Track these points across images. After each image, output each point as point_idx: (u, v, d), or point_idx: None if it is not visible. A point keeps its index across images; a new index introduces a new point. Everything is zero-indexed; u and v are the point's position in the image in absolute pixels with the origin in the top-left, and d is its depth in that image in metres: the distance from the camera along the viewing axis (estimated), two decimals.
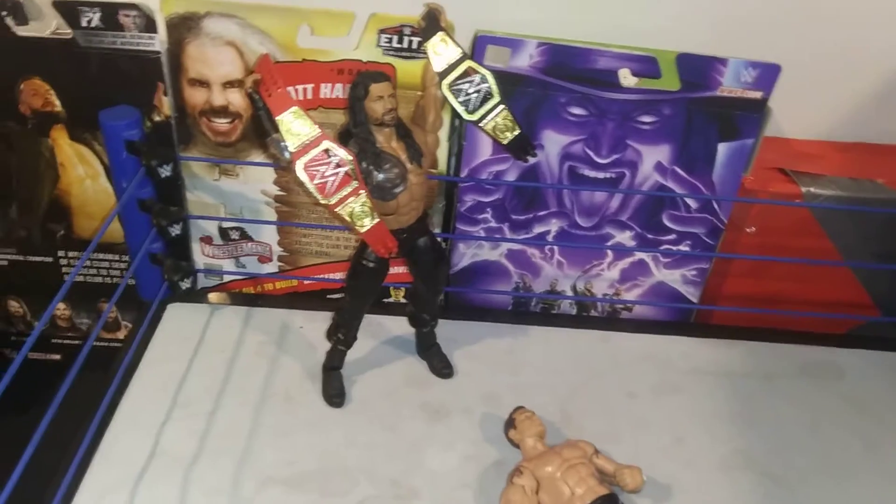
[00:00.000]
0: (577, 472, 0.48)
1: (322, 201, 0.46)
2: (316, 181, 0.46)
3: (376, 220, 0.47)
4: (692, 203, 0.62)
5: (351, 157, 0.46)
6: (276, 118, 0.45)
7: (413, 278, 0.56)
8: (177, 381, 0.57)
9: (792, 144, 0.67)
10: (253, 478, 0.50)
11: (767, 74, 0.55)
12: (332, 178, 0.46)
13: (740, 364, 0.64)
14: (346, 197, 0.46)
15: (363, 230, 0.47)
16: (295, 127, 0.45)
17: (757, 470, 0.54)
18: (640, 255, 0.65)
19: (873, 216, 0.63)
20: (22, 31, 0.56)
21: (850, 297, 0.68)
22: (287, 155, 0.45)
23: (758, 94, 0.56)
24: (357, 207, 0.46)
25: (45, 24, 0.56)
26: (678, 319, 0.69)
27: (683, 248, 0.64)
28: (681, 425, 0.57)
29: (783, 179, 0.62)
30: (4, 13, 0.55)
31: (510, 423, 0.53)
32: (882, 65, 0.64)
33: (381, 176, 0.48)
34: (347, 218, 0.47)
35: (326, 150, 0.45)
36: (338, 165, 0.46)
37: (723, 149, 0.59)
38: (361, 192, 0.46)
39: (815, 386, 0.62)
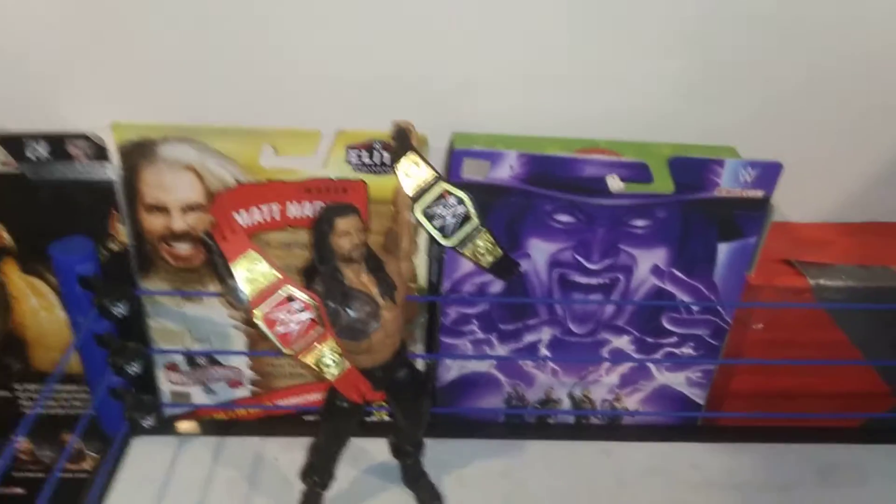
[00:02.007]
0: None
1: (286, 351, 0.42)
2: (277, 329, 0.41)
3: (346, 367, 0.43)
4: (695, 306, 0.58)
5: (315, 301, 0.41)
6: (231, 264, 0.41)
7: (393, 411, 0.51)
8: None
9: (796, 230, 0.63)
10: None
11: (768, 173, 0.51)
12: (294, 326, 0.41)
13: (754, 472, 0.59)
14: (312, 344, 0.42)
15: (332, 378, 0.43)
16: (252, 273, 0.41)
17: None
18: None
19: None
20: None
21: (865, 388, 0.63)
22: (245, 303, 0.41)
23: (759, 194, 0.52)
24: (325, 355, 0.42)
25: None
26: (684, 421, 0.64)
27: (686, 350, 0.60)
28: None
29: (790, 272, 0.58)
30: None
31: None
32: (884, 142, 0.61)
33: (351, 316, 0.43)
34: (314, 367, 0.42)
35: (289, 296, 0.41)
36: (301, 311, 0.41)
37: (724, 248, 0.55)
38: (329, 337, 0.42)
39: (836, 494, 0.58)
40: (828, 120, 0.59)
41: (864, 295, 0.58)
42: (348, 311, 0.43)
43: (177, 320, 0.58)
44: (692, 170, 0.51)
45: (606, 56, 0.55)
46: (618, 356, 0.60)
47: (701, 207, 0.53)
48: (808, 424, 0.63)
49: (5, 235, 0.55)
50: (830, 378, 0.62)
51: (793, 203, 0.62)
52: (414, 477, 0.55)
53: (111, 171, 0.52)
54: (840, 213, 0.64)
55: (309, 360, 0.42)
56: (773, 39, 0.55)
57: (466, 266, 0.55)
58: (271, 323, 0.41)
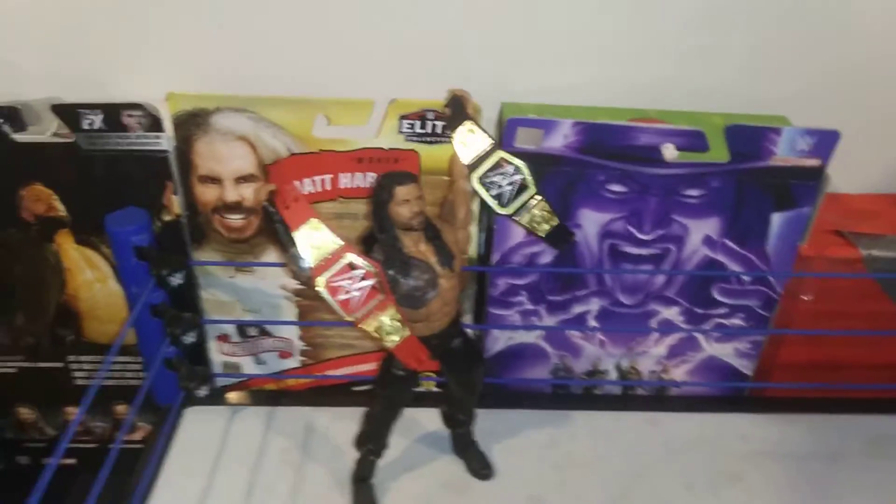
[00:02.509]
0: None
1: (347, 318, 0.42)
2: (339, 297, 0.42)
3: (406, 334, 0.43)
4: (745, 277, 0.57)
5: (376, 269, 0.42)
6: (294, 233, 0.41)
7: (447, 380, 0.52)
8: (197, 497, 0.53)
9: (847, 200, 0.62)
10: None
11: (825, 141, 0.51)
12: (357, 293, 0.42)
13: (802, 443, 0.59)
14: (373, 311, 0.42)
15: (392, 345, 0.43)
16: (314, 240, 0.41)
17: None
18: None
19: None
20: (20, 137, 0.52)
21: None
22: (307, 270, 0.41)
23: (815, 162, 0.52)
24: (385, 322, 0.43)
25: (44, 127, 0.52)
26: (731, 392, 0.64)
27: (736, 321, 0.60)
28: None
29: (841, 242, 0.58)
30: (1, 120, 0.51)
31: None
32: None
33: (410, 284, 0.43)
34: (375, 334, 0.43)
35: (350, 264, 0.41)
36: (363, 279, 0.42)
37: (777, 219, 0.55)
38: (389, 305, 0.42)
39: (885, 463, 0.57)
40: (878, 90, 0.58)
41: None
42: (408, 279, 0.43)
43: (228, 291, 0.58)
44: (748, 138, 0.51)
45: (654, 27, 0.55)
46: (666, 327, 0.60)
47: (756, 177, 0.53)
48: (856, 395, 0.63)
49: (60, 206, 0.56)
50: (880, 349, 0.62)
51: (844, 174, 0.61)
52: (464, 446, 0.56)
53: (165, 141, 0.52)
54: (891, 184, 0.63)
55: (370, 327, 0.43)
56: (823, 10, 0.54)
57: (516, 237, 0.55)
58: (334, 290, 0.42)
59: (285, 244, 0.42)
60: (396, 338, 0.43)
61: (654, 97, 0.56)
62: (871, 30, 0.56)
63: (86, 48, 0.54)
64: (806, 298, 0.59)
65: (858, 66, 0.57)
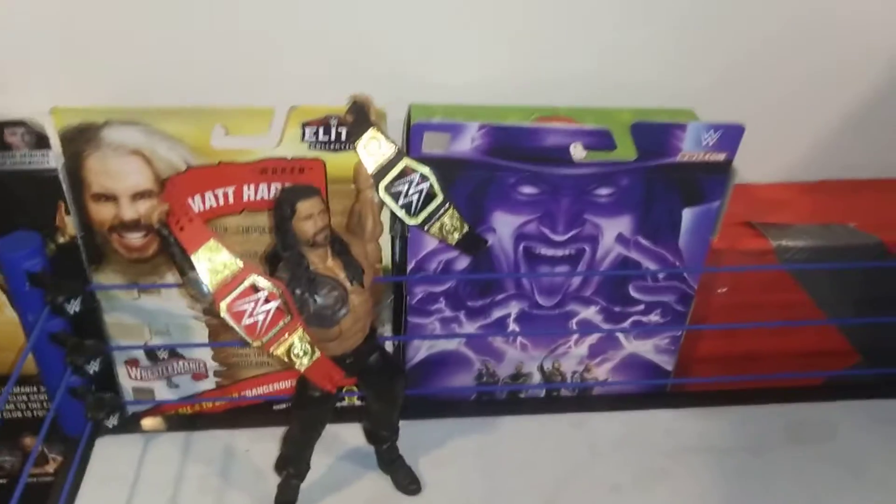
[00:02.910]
0: None
1: (253, 343, 0.40)
2: (244, 322, 0.40)
3: (317, 355, 0.41)
4: (660, 274, 0.57)
5: (281, 289, 0.40)
6: (191, 255, 0.39)
7: (366, 396, 0.50)
8: None
9: (755, 191, 0.63)
10: None
11: (730, 135, 0.51)
12: (261, 316, 0.40)
13: (724, 435, 0.60)
14: (281, 334, 0.41)
15: (303, 368, 0.41)
16: (214, 263, 0.39)
17: None
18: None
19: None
20: None
21: (829, 346, 0.64)
22: (208, 295, 0.39)
23: (721, 156, 0.52)
24: (295, 344, 0.41)
25: None
26: (654, 389, 0.65)
27: (654, 318, 0.60)
28: None
29: (752, 234, 0.58)
30: None
31: None
32: (837, 100, 0.61)
33: (318, 302, 0.42)
34: (285, 358, 0.41)
35: (253, 285, 0.40)
36: (267, 300, 0.40)
37: (688, 214, 0.55)
38: (297, 326, 0.41)
39: (806, 451, 0.59)
40: (781, 81, 0.59)
41: (825, 254, 0.58)
42: (316, 297, 0.42)
43: (134, 314, 0.56)
44: (654, 135, 0.51)
45: (562, 21, 0.54)
46: (586, 327, 0.60)
47: (664, 173, 0.52)
48: (775, 385, 0.64)
49: None
50: (795, 339, 0.63)
51: (751, 165, 0.61)
52: (390, 461, 0.54)
53: (53, 159, 0.49)
54: (797, 173, 0.64)
55: (279, 351, 0.41)
56: (726, 3, 0.55)
57: (430, 244, 0.54)
58: (238, 315, 0.40)
59: (182, 268, 0.40)
60: (307, 361, 0.42)
61: (564, 93, 0.55)
62: (775, 21, 0.56)
63: None
64: (720, 292, 0.59)
65: (763, 56, 0.58)
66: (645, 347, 0.62)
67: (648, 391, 0.65)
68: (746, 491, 0.55)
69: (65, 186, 0.51)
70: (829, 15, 0.56)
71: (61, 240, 0.53)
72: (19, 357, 0.55)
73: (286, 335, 0.41)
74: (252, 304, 0.40)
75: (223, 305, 0.39)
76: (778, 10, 0.56)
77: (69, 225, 0.52)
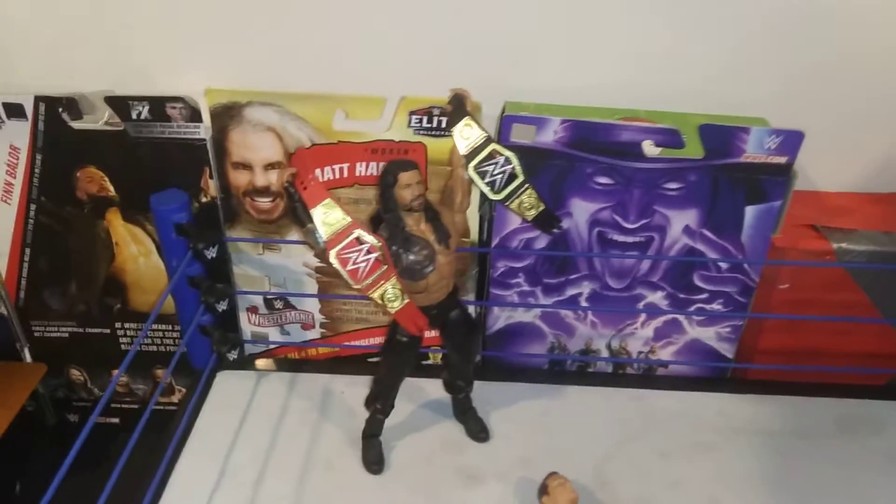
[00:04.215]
0: None
1: (355, 286, 0.48)
2: (348, 267, 0.48)
3: (406, 301, 0.49)
4: (723, 264, 0.63)
5: (380, 243, 0.48)
6: (311, 210, 0.48)
7: (446, 348, 0.58)
8: (226, 448, 0.60)
9: (824, 198, 0.67)
10: None
11: (791, 141, 0.56)
12: (363, 264, 0.48)
13: (775, 421, 0.64)
14: (378, 281, 0.48)
15: (394, 311, 0.49)
16: (328, 217, 0.48)
17: None
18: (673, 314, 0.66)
19: None
20: (77, 125, 0.60)
21: (888, 349, 0.67)
22: (321, 244, 0.48)
23: (782, 160, 0.57)
24: (388, 290, 0.49)
25: (98, 117, 0.60)
26: (714, 373, 0.70)
27: (716, 306, 0.65)
28: (714, 486, 0.58)
29: (814, 236, 0.63)
30: (60, 109, 0.59)
31: (543, 490, 0.54)
32: None
33: (410, 258, 0.50)
34: (379, 300, 0.49)
35: (357, 238, 0.48)
36: (368, 252, 0.48)
37: (750, 211, 0.60)
38: (392, 275, 0.49)
39: (853, 442, 0.62)
40: (858, 94, 0.63)
41: (884, 258, 0.62)
42: (408, 254, 0.50)
43: (258, 267, 0.65)
44: (720, 136, 0.57)
45: (652, 35, 0.60)
46: (652, 309, 0.65)
47: (728, 172, 0.58)
48: (830, 381, 0.67)
49: (110, 187, 0.63)
50: (853, 339, 0.66)
51: (823, 173, 0.66)
52: (463, 411, 0.62)
53: (203, 131, 0.60)
54: (867, 184, 0.67)
55: (375, 294, 0.49)
56: (800, 16, 0.59)
57: (513, 223, 0.61)
58: (344, 261, 0.48)
59: (303, 221, 0.48)
60: (397, 304, 0.49)
61: (644, 99, 0.61)
62: (851, 38, 0.60)
63: (136, 48, 0.61)
64: (782, 287, 0.64)
65: (840, 70, 0.62)
66: (707, 334, 0.67)
67: (708, 376, 0.70)
68: (787, 470, 0.59)
69: (211, 154, 0.61)
70: None
71: (204, 199, 0.63)
72: (161, 296, 0.66)
73: (382, 282, 0.48)
74: (356, 254, 0.48)
75: (333, 253, 0.48)
76: (848, 20, 0.60)
77: (212, 187, 0.62)
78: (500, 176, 0.51)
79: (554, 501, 0.53)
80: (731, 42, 0.60)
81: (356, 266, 0.48)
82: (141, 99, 0.58)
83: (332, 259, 0.48)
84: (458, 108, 0.51)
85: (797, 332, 0.66)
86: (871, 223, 0.64)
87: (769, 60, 0.61)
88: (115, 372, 0.73)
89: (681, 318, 0.66)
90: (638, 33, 0.60)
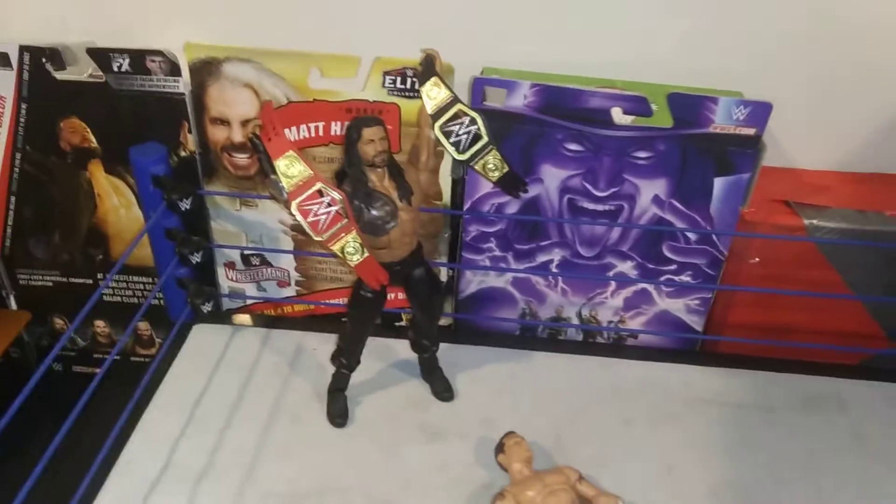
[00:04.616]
0: (558, 498, 0.50)
1: (315, 238, 0.49)
2: (309, 219, 0.49)
3: (366, 255, 0.50)
4: (691, 235, 0.63)
5: (341, 197, 0.49)
6: (274, 162, 0.48)
7: (412, 307, 0.59)
8: (195, 397, 0.61)
9: (800, 175, 0.67)
10: (256, 493, 0.54)
11: (759, 112, 0.56)
12: (324, 216, 0.49)
13: (741, 394, 0.64)
14: (338, 234, 0.49)
15: (354, 264, 0.50)
16: (291, 170, 0.48)
17: (745, 502, 0.55)
18: (642, 284, 0.66)
19: (881, 248, 0.63)
20: (60, 76, 0.61)
21: (859, 328, 0.68)
22: (284, 195, 0.49)
23: (751, 131, 0.57)
24: (349, 243, 0.50)
25: (81, 68, 0.61)
26: (682, 344, 0.70)
27: (685, 278, 0.65)
28: (673, 454, 0.58)
29: (786, 211, 0.63)
30: (44, 59, 0.60)
31: (499, 448, 0.55)
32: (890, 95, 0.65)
33: (372, 213, 0.51)
34: (339, 253, 0.50)
35: (319, 191, 0.49)
36: (329, 205, 0.49)
37: (719, 183, 0.60)
38: (352, 229, 0.49)
39: (817, 419, 0.62)
40: (838, 72, 0.63)
41: (856, 236, 0.62)
42: (370, 209, 0.51)
43: (235, 223, 0.67)
44: (689, 106, 0.57)
45: (630, 7, 0.61)
46: (621, 277, 0.66)
47: (697, 142, 0.58)
48: (798, 357, 0.68)
49: (92, 138, 0.64)
50: (824, 315, 0.67)
51: (800, 150, 0.66)
52: (430, 370, 0.63)
53: (182, 85, 0.61)
54: (845, 163, 0.67)
55: (335, 247, 0.50)
56: None
57: (485, 187, 0.62)
58: (305, 213, 0.49)
59: (267, 171, 0.49)
60: (357, 258, 0.50)
61: (621, 71, 0.62)
62: (840, 17, 0.60)
63: (118, 1, 0.63)
64: (752, 262, 0.64)
65: (818, 46, 0.62)
66: (676, 306, 0.67)
67: (677, 347, 0.70)
68: (749, 441, 0.59)
69: (189, 109, 0.62)
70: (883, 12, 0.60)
71: (183, 154, 0.64)
72: (142, 248, 0.67)
73: (342, 235, 0.49)
74: (317, 206, 0.49)
75: (294, 204, 0.49)
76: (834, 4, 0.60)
77: (190, 141, 0.63)
78: (465, 136, 0.52)
79: (509, 459, 0.54)
80: (710, 14, 0.61)
81: (317, 218, 0.49)
82: (121, 52, 0.59)
83: (294, 210, 0.49)
84: (428, 68, 0.52)
85: (768, 308, 0.67)
86: (846, 201, 0.64)
87: (747, 35, 0.61)
88: (97, 322, 0.75)
89: (650, 289, 0.67)
90: (621, 5, 0.61)
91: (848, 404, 0.64)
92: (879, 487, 0.57)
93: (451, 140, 0.52)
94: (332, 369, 0.61)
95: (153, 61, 0.59)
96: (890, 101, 0.65)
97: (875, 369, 0.68)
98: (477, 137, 0.52)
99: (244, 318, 0.70)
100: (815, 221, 0.62)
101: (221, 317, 0.70)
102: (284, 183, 0.49)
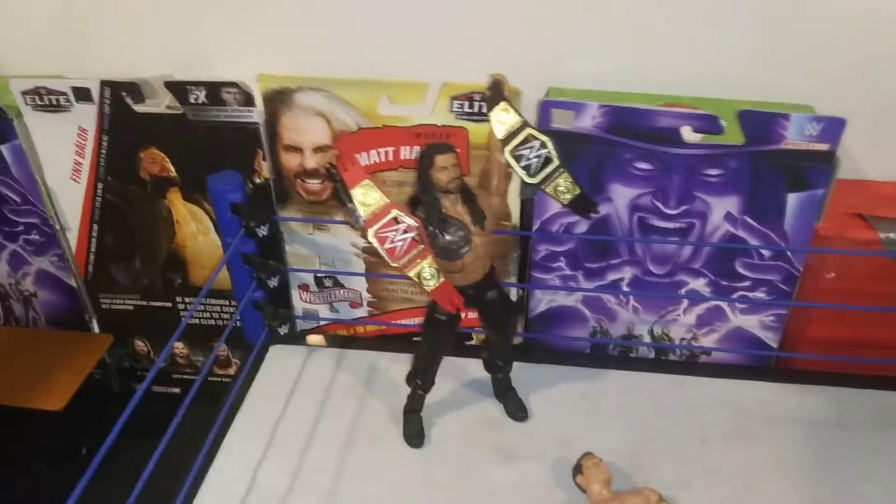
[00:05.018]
0: None
1: (392, 264, 0.50)
2: (386, 246, 0.50)
3: (442, 280, 0.51)
4: (765, 252, 0.62)
5: (417, 223, 0.50)
6: (350, 191, 0.50)
7: (485, 328, 0.59)
8: (274, 419, 0.63)
9: (872, 187, 0.66)
10: None
11: (832, 128, 0.56)
12: (400, 243, 0.50)
13: (817, 411, 0.63)
14: (414, 260, 0.50)
15: (430, 289, 0.51)
16: (367, 198, 0.50)
17: None
18: (715, 301, 0.66)
19: None
20: (139, 108, 0.63)
21: None
22: (361, 223, 0.50)
23: (824, 147, 0.57)
24: (425, 269, 0.51)
25: (159, 101, 0.63)
26: (757, 361, 0.69)
27: (759, 294, 0.65)
28: (751, 474, 0.58)
29: (861, 225, 0.62)
30: (124, 93, 0.63)
31: (577, 469, 0.55)
32: None
33: (446, 239, 0.51)
34: (416, 279, 0.51)
35: (395, 218, 0.50)
36: (405, 231, 0.50)
37: (793, 199, 0.60)
38: (428, 255, 0.50)
39: (892, 435, 0.61)
40: None
41: None
42: (444, 234, 0.51)
43: (308, 246, 0.68)
44: (760, 123, 0.56)
45: (695, 21, 0.60)
46: (693, 295, 0.66)
47: (769, 159, 0.58)
48: (875, 373, 0.66)
49: (171, 168, 0.67)
50: None
51: (871, 161, 0.65)
52: (503, 390, 0.63)
53: (256, 115, 0.62)
54: None
55: (412, 273, 0.51)
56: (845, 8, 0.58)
57: (554, 208, 0.62)
58: (381, 240, 0.50)
59: (344, 200, 0.50)
60: (434, 283, 0.51)
61: (689, 88, 0.61)
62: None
63: (194, 36, 0.65)
64: (828, 277, 0.63)
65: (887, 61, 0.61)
66: (750, 322, 0.67)
67: (751, 364, 0.69)
68: (827, 461, 0.58)
69: (263, 137, 0.64)
70: None
71: (258, 181, 0.66)
72: (213, 271, 0.69)
73: (418, 261, 0.50)
74: (393, 233, 0.50)
75: (371, 232, 0.50)
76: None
77: (264, 169, 0.65)
78: (535, 160, 0.52)
79: (587, 480, 0.54)
80: (780, 33, 0.60)
81: (393, 245, 0.50)
82: (198, 84, 0.61)
83: (371, 237, 0.50)
84: (496, 93, 0.53)
85: (844, 322, 0.65)
86: None
87: (819, 51, 0.60)
88: (176, 344, 0.77)
89: (723, 305, 0.66)
90: (684, 19, 0.60)
91: None
92: None
93: (522, 164, 0.52)
94: (405, 389, 0.61)
95: (228, 93, 0.61)
96: None
97: None
98: (547, 161, 0.52)
99: (318, 339, 0.72)
100: (891, 235, 0.61)
101: (296, 338, 0.71)
102: (361, 211, 0.50)
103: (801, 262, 0.63)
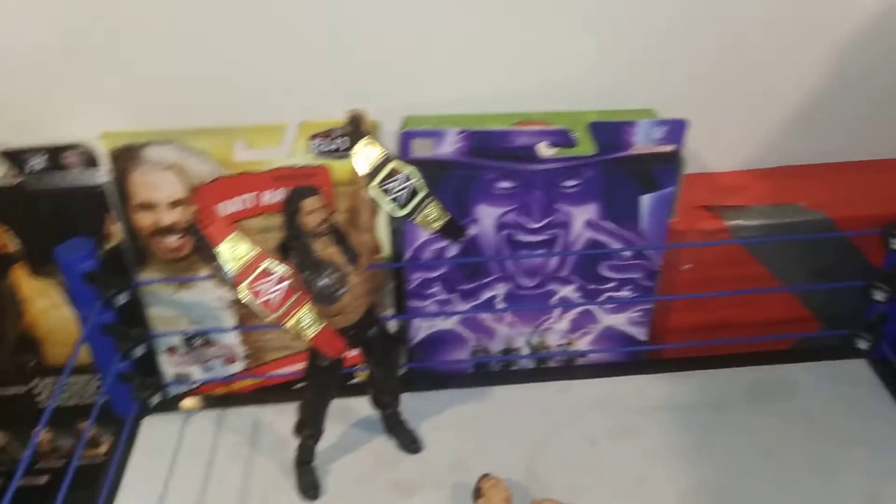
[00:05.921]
0: None
1: (270, 317, 0.49)
2: (261, 299, 0.48)
3: (322, 326, 0.50)
4: (626, 252, 0.65)
5: (291, 270, 0.49)
6: (216, 248, 0.47)
7: (369, 365, 0.59)
8: (157, 496, 0.59)
9: (715, 178, 0.70)
10: None
11: (675, 130, 0.59)
12: (274, 294, 0.48)
13: (691, 396, 0.67)
14: (291, 309, 0.49)
15: (310, 338, 0.50)
16: (236, 252, 0.48)
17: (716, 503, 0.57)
18: (585, 305, 0.68)
19: (800, 239, 0.66)
20: None
21: (790, 315, 0.71)
22: (230, 279, 0.48)
23: (670, 148, 0.60)
24: (303, 317, 0.49)
25: None
26: (631, 359, 0.72)
27: (625, 293, 0.68)
28: (640, 466, 0.60)
29: (709, 216, 0.66)
30: None
31: (477, 493, 0.55)
32: (787, 91, 0.68)
33: (322, 283, 0.50)
34: (295, 329, 0.49)
35: (266, 269, 0.48)
36: (279, 281, 0.48)
37: (646, 199, 0.63)
38: (305, 301, 0.49)
39: (766, 409, 0.65)
40: (737, 77, 0.66)
41: (776, 230, 0.65)
42: (320, 278, 0.50)
43: (173, 307, 0.65)
44: (610, 132, 0.59)
45: (536, 39, 0.62)
46: (565, 303, 0.68)
47: (621, 165, 0.61)
48: (739, 351, 0.71)
49: (12, 242, 0.62)
50: (756, 308, 0.70)
51: (712, 155, 0.69)
52: (394, 424, 0.62)
53: (102, 175, 0.59)
54: (755, 160, 0.71)
55: (290, 323, 0.49)
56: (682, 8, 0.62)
57: (424, 235, 0.63)
58: (256, 294, 0.48)
59: (209, 259, 0.48)
60: (313, 330, 0.50)
61: (539, 101, 0.63)
62: (730, 28, 0.63)
63: (28, 97, 0.60)
64: (685, 268, 0.67)
65: (717, 56, 0.65)
66: (619, 321, 0.69)
67: (625, 360, 0.72)
68: (707, 442, 0.62)
69: (112, 199, 0.60)
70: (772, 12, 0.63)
71: (110, 245, 0.62)
72: (74, 349, 0.65)
73: (296, 309, 0.49)
74: (267, 285, 0.48)
75: (243, 286, 0.48)
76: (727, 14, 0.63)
77: (117, 231, 0.61)
78: (403, 192, 0.52)
79: (489, 502, 0.54)
80: (611, 42, 0.63)
81: (268, 297, 0.48)
82: (35, 150, 0.57)
83: (243, 293, 0.48)
84: (356, 128, 0.52)
85: (703, 308, 0.69)
86: (761, 198, 0.67)
87: (652, 55, 0.63)
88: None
89: (593, 307, 0.68)
90: (526, 40, 0.62)
91: (793, 389, 0.67)
92: (833, 465, 0.60)
93: (390, 197, 0.52)
94: (293, 442, 0.60)
95: (69, 156, 0.58)
96: (787, 95, 0.68)
97: (812, 350, 0.72)
98: (415, 192, 0.52)
99: (193, 403, 0.68)
100: (737, 222, 0.65)
101: (170, 405, 0.67)
102: (230, 267, 0.48)
103: (661, 258, 0.66)
